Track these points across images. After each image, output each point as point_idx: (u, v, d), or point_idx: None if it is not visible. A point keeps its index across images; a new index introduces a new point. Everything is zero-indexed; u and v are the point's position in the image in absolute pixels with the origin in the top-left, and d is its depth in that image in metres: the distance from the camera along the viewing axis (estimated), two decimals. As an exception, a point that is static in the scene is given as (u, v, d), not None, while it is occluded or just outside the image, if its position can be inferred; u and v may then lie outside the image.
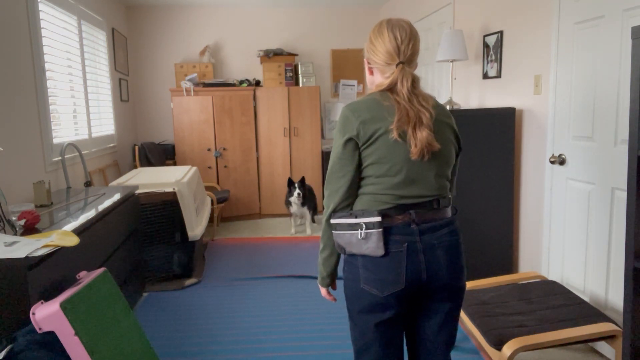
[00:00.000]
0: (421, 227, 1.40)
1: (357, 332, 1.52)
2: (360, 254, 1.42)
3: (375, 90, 1.46)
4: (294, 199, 4.78)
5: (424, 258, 1.40)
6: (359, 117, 1.39)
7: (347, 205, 1.45)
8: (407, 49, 1.42)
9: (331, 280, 1.59)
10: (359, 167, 1.43)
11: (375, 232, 1.38)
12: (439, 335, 1.51)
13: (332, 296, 1.64)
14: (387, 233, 1.39)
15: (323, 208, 1.70)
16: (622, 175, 2.31)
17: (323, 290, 1.61)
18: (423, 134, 1.36)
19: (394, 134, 1.36)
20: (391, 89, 1.42)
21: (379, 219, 1.38)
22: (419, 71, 4.82)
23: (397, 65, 1.42)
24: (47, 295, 1.87)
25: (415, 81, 1.42)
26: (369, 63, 1.51)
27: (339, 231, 1.44)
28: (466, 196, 3.11)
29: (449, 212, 1.47)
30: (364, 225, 1.39)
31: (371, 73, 1.52)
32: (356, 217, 1.40)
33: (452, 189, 1.56)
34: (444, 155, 1.44)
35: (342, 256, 1.52)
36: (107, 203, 2.78)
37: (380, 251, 1.38)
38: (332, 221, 1.45)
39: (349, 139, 1.40)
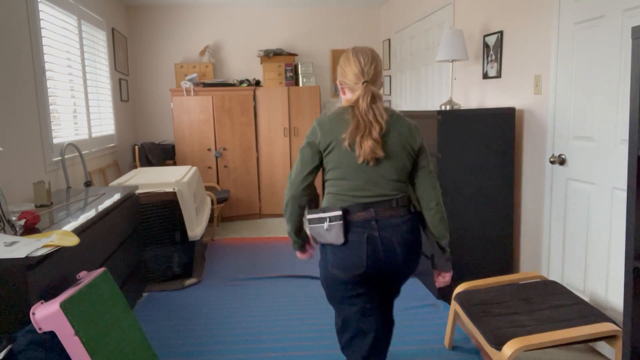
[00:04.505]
0: (380, 223, 1.68)
1: (336, 313, 1.82)
2: (327, 243, 1.72)
3: (345, 105, 1.76)
4: None
5: (382, 248, 1.68)
6: (322, 129, 1.71)
7: (303, 193, 1.75)
8: (370, 70, 1.72)
9: (303, 243, 1.90)
10: (317, 168, 1.75)
11: (337, 224, 1.67)
12: (384, 299, 1.87)
13: (307, 254, 1.94)
14: (351, 225, 1.68)
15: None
16: (622, 175, 2.31)
17: (298, 254, 1.94)
18: (368, 144, 1.64)
19: (345, 144, 1.66)
20: (352, 107, 1.70)
21: (339, 213, 1.67)
22: (418, 71, 4.82)
23: (362, 83, 1.71)
24: (47, 295, 1.87)
25: (374, 97, 1.70)
26: (341, 85, 1.80)
27: (312, 224, 1.74)
28: (466, 196, 3.11)
29: (406, 210, 1.74)
30: (328, 219, 1.68)
31: (344, 93, 1.81)
32: (323, 212, 1.70)
33: (421, 187, 1.79)
34: (395, 162, 1.71)
35: (319, 244, 1.79)
36: (107, 203, 2.78)
37: (340, 240, 1.67)
38: (308, 217, 1.75)
39: (311, 142, 1.73)
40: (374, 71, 1.72)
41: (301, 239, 1.89)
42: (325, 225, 1.68)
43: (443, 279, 1.89)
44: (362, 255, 1.66)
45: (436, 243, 1.83)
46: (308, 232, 1.79)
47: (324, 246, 1.75)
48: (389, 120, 1.71)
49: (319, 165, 1.75)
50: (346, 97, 1.81)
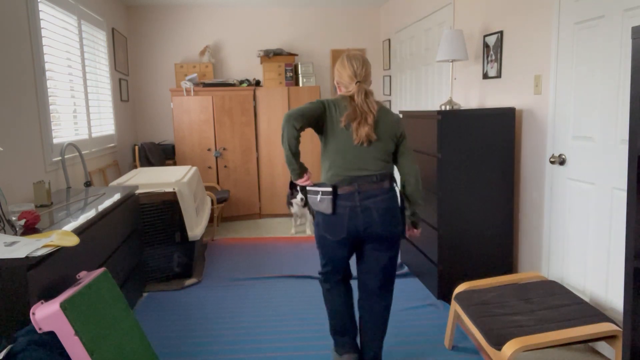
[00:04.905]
0: (362, 195, 2.10)
1: (321, 258, 2.31)
2: (320, 211, 2.17)
3: (344, 94, 2.17)
4: (297, 200, 4.78)
5: (362, 216, 2.10)
6: (329, 105, 2.15)
7: (296, 124, 2.03)
8: (361, 72, 2.13)
9: (300, 171, 2.18)
10: (312, 122, 2.09)
11: (327, 198, 2.11)
12: (374, 266, 2.23)
13: (307, 179, 2.21)
14: (339, 198, 2.10)
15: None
16: (622, 175, 2.31)
17: (299, 180, 2.22)
18: (364, 129, 2.07)
19: (342, 124, 2.09)
20: (351, 97, 2.12)
21: (330, 189, 2.10)
22: (418, 71, 4.83)
23: (356, 83, 2.12)
24: (47, 295, 1.87)
25: (367, 93, 2.12)
26: (338, 84, 2.22)
27: (310, 195, 2.17)
28: (466, 196, 3.11)
29: (386, 184, 2.13)
30: (320, 193, 2.13)
31: (340, 90, 2.22)
32: (319, 187, 2.14)
33: (405, 166, 2.22)
34: (382, 145, 2.13)
35: (314, 210, 2.21)
36: (107, 203, 2.78)
37: (329, 210, 2.11)
38: (308, 188, 2.18)
39: (320, 103, 2.12)
40: (364, 73, 2.14)
41: (299, 166, 2.17)
42: (318, 197, 2.13)
43: (413, 233, 2.34)
44: (344, 224, 2.11)
45: (409, 207, 2.28)
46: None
47: (318, 212, 2.19)
48: (379, 111, 2.14)
49: (313, 124, 2.10)
50: (342, 92, 2.21)
